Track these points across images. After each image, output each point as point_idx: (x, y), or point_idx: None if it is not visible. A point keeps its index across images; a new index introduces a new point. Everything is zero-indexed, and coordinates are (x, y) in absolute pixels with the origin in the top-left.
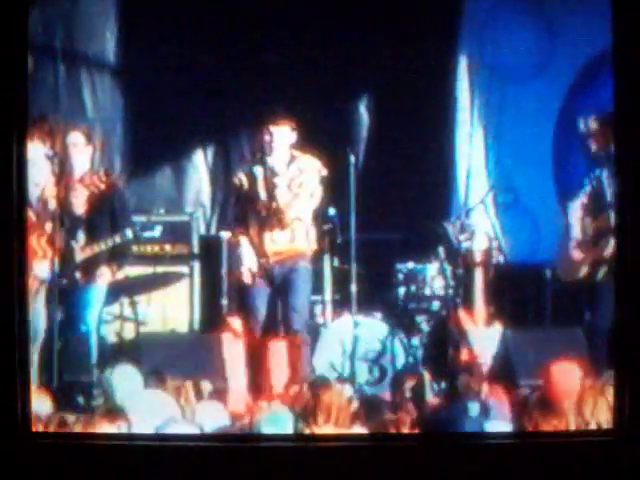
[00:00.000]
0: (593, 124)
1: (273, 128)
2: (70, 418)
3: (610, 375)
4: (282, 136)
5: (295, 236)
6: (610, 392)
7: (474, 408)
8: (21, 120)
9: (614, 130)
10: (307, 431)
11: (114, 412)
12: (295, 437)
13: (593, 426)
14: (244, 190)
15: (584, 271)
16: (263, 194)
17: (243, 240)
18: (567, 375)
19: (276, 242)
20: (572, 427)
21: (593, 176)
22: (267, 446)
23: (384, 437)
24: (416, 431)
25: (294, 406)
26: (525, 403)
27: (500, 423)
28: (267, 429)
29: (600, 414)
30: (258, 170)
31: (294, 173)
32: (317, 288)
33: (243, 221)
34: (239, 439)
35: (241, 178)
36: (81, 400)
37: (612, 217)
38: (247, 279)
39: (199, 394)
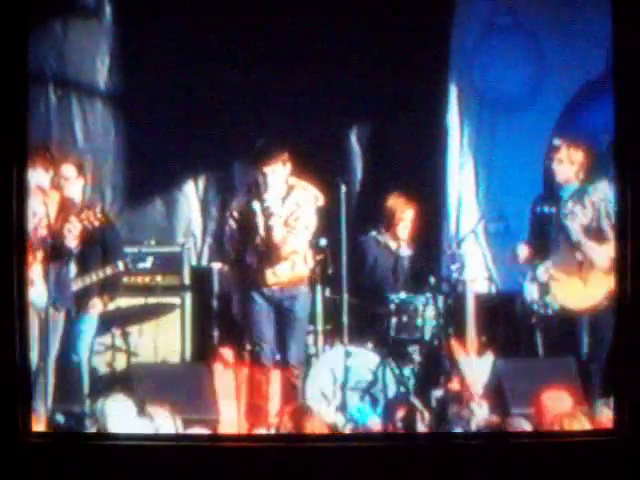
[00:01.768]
0: (558, 148)
1: (266, 168)
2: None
3: (602, 404)
4: (275, 174)
5: (295, 264)
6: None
7: None
8: (21, 148)
9: (615, 148)
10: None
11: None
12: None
13: None
14: (242, 224)
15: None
16: (261, 229)
17: (241, 271)
18: (558, 404)
19: (277, 274)
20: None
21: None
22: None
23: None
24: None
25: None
26: None
27: None
28: None
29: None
30: (256, 205)
31: (291, 208)
32: (309, 318)
33: (241, 253)
34: (233, 439)
35: (239, 212)
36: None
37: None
38: (246, 308)
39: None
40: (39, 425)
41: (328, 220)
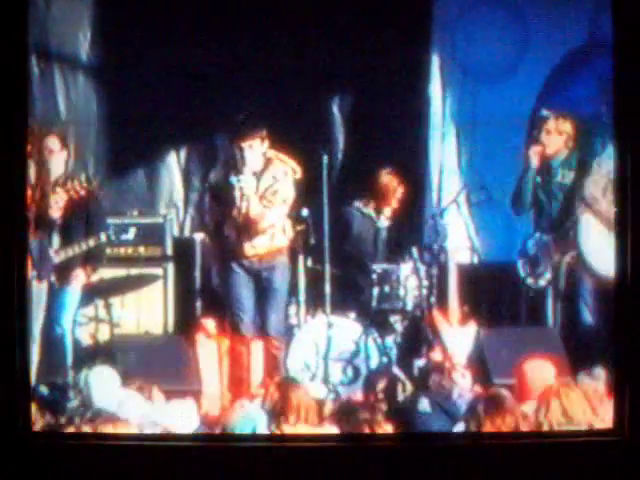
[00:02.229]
0: (546, 119)
1: (244, 144)
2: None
3: (585, 374)
4: (252, 149)
5: (273, 235)
6: (584, 391)
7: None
8: (20, 122)
9: (614, 126)
10: (279, 431)
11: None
12: (269, 437)
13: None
14: (219, 197)
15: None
16: (238, 203)
17: (220, 243)
18: (540, 373)
19: (256, 246)
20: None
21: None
22: (245, 446)
23: (359, 437)
24: (393, 431)
25: (265, 406)
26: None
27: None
28: (241, 429)
29: (576, 413)
30: (233, 179)
31: (268, 182)
32: (291, 289)
33: (220, 224)
34: (218, 439)
35: (216, 185)
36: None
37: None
38: (225, 279)
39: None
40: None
41: (309, 190)
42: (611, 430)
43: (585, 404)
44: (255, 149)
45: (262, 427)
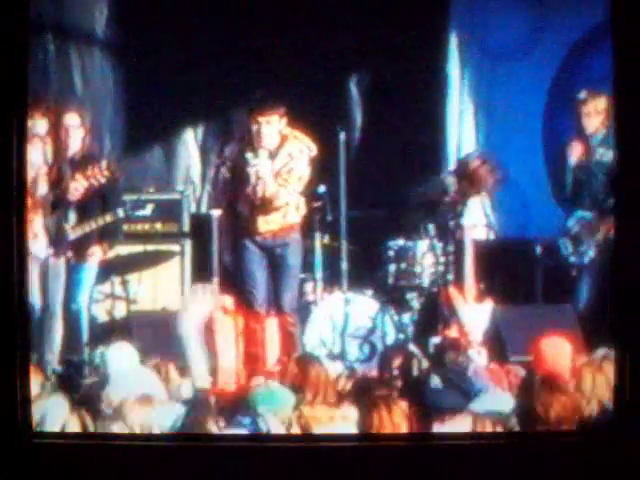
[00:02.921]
0: (585, 101)
1: (261, 119)
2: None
3: (604, 351)
4: (270, 125)
5: (287, 212)
6: (607, 368)
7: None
8: (21, 100)
9: (615, 112)
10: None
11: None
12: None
13: (594, 403)
14: (234, 173)
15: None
16: (253, 179)
17: (234, 218)
18: (557, 350)
19: (269, 222)
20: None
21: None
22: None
23: (360, 437)
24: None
25: (283, 383)
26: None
27: (491, 400)
28: (261, 405)
29: (599, 390)
30: (249, 155)
31: (284, 159)
32: (308, 265)
33: (234, 201)
34: (221, 439)
35: (231, 160)
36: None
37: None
38: (239, 255)
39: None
40: (38, 375)
41: (327, 167)
42: (611, 430)
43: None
44: (273, 125)
45: (284, 403)
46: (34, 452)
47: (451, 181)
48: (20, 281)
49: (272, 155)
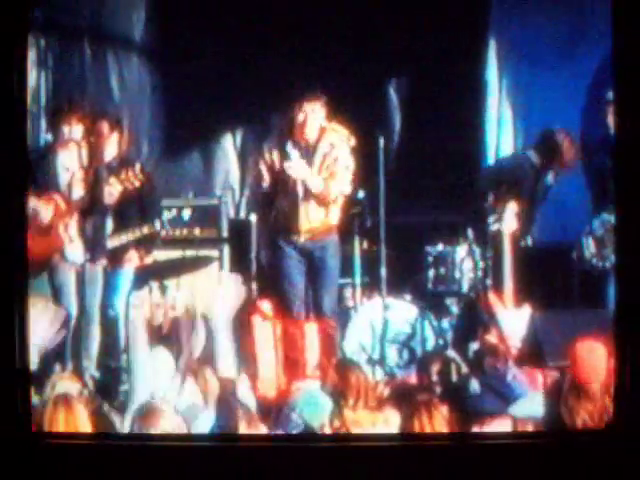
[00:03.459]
0: None
1: (305, 105)
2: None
3: None
4: (314, 113)
5: (329, 210)
6: None
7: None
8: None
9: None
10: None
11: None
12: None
13: None
14: (277, 168)
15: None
16: (297, 173)
17: (274, 217)
18: (595, 356)
19: (311, 219)
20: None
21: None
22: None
23: (359, 438)
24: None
25: (324, 387)
26: (558, 387)
27: (530, 404)
28: (304, 410)
29: None
30: (290, 148)
31: (326, 149)
32: (347, 271)
33: (275, 200)
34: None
35: (274, 156)
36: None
37: None
38: (278, 260)
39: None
40: (75, 381)
41: (365, 172)
42: (611, 430)
43: None
44: (317, 114)
45: (325, 408)
46: (33, 452)
47: (532, 155)
48: (19, 274)
49: (312, 149)
